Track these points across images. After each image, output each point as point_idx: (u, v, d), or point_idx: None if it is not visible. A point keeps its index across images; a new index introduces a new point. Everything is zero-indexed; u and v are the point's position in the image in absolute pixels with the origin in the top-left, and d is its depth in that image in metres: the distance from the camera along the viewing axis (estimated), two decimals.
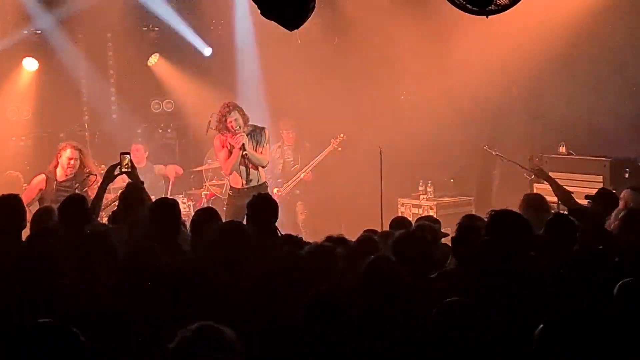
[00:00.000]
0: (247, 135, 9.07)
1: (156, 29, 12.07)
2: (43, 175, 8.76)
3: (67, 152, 8.69)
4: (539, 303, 4.35)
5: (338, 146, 11.17)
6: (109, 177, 7.23)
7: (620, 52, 10.04)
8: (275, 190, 11.09)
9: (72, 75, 11.63)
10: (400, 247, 5.21)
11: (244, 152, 9.00)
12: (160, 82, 12.26)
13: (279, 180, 11.44)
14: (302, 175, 11.39)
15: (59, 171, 8.71)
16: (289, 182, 11.40)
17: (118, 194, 7.99)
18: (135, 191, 6.91)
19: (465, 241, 5.32)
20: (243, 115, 9.12)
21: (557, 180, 9.26)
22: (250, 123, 9.19)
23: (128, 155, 7.19)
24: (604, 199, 7.28)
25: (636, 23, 9.91)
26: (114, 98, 12.21)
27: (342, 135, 11.08)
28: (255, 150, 9.14)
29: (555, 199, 8.95)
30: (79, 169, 8.70)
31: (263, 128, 9.28)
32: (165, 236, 5.84)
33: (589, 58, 10.31)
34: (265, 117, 9.98)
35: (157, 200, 6.72)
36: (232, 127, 9.03)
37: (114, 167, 7.20)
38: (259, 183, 9.17)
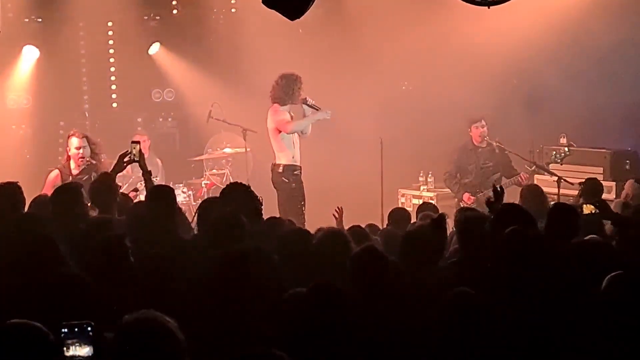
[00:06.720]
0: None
1: (157, 17, 12.06)
2: (57, 171, 8.39)
3: (74, 142, 8.38)
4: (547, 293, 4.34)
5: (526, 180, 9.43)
6: (118, 165, 7.17)
7: (620, 46, 10.06)
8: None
9: (72, 64, 11.60)
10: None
11: (312, 102, 9.05)
12: (161, 71, 12.23)
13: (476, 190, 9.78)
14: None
15: (72, 164, 8.37)
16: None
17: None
18: (104, 181, 6.85)
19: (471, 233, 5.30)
20: None
21: (556, 172, 9.29)
22: None
23: (138, 145, 7.18)
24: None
25: (636, 18, 9.92)
26: (114, 87, 12.18)
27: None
28: None
29: (554, 190, 8.98)
30: (90, 159, 8.36)
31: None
32: (161, 222, 5.83)
33: (589, 51, 10.32)
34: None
35: (152, 187, 6.73)
36: (302, 99, 9.08)
37: (123, 155, 7.17)
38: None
